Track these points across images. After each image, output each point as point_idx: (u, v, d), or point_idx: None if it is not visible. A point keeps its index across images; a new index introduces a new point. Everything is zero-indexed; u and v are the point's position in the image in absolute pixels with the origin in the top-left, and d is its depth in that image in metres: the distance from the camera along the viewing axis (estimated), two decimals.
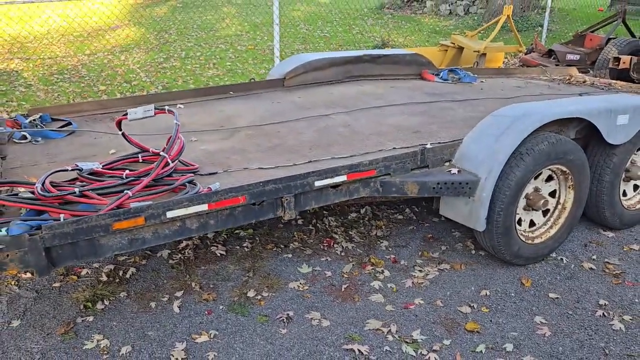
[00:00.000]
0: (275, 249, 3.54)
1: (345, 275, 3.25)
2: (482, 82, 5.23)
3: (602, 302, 3.03)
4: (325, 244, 3.60)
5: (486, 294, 3.09)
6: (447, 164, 3.12)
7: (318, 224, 3.87)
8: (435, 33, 12.13)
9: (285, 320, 2.84)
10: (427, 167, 3.05)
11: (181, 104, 4.23)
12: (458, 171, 3.02)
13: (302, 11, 13.87)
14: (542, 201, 3.21)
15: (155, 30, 11.73)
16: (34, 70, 8.42)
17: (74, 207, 2.37)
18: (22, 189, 2.48)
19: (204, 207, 2.42)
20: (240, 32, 11.82)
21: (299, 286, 3.13)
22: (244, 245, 3.57)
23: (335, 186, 2.78)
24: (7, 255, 2.10)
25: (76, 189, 2.39)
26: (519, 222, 3.27)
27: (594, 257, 3.49)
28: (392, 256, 3.47)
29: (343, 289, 3.12)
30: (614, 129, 3.33)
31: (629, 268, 3.38)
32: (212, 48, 10.31)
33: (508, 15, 7.44)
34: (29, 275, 3.20)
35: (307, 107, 4.16)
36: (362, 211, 4.07)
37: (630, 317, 2.90)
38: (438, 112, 4.04)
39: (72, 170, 2.66)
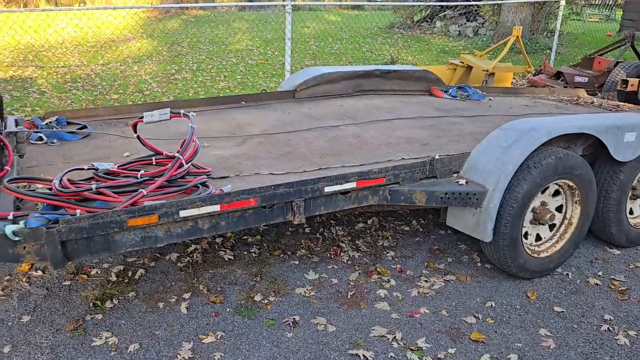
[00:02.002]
0: (282, 256, 3.57)
1: (352, 283, 3.28)
2: (490, 100, 5.29)
3: (607, 317, 3.04)
4: (332, 253, 3.63)
5: (491, 306, 3.11)
6: (455, 175, 3.16)
7: (325, 233, 3.90)
8: (444, 53, 12.27)
9: (291, 324, 2.87)
10: (435, 177, 3.09)
11: (194, 111, 4.31)
12: (466, 182, 3.06)
13: (312, 28, 14.06)
14: (549, 215, 3.24)
15: (167, 43, 11.94)
16: (47, 78, 8.58)
17: (89, 204, 2.43)
18: (40, 185, 2.54)
19: (216, 208, 2.47)
20: (251, 47, 12.01)
21: (305, 292, 3.16)
22: (252, 250, 3.61)
23: (344, 193, 2.82)
24: (25, 247, 2.15)
25: (93, 186, 2.45)
26: (525, 235, 3.30)
27: (600, 273, 3.50)
28: (398, 266, 3.49)
29: (349, 296, 3.14)
30: (621, 146, 3.36)
31: (635, 285, 3.38)
32: (223, 61, 10.47)
33: (517, 36, 7.52)
34: (39, 272, 3.25)
35: (317, 118, 4.22)
36: (369, 222, 4.11)
37: (635, 333, 2.91)
38: (446, 126, 4.10)
39: (88, 169, 2.73)
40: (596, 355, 2.73)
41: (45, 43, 10.64)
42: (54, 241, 2.17)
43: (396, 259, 3.59)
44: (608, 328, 2.94)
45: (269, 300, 3.08)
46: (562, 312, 3.08)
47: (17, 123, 3.14)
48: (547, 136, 3.07)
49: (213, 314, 2.93)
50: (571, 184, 3.28)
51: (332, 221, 4.10)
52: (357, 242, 3.80)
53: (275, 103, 4.75)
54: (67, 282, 3.17)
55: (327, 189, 2.73)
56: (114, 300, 3.00)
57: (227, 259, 3.49)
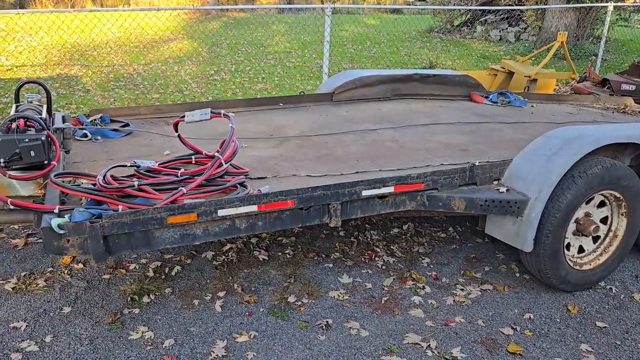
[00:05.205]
0: (316, 258, 3.56)
1: (386, 288, 3.25)
2: (532, 106, 5.16)
3: None
4: (366, 257, 3.60)
5: (530, 318, 3.02)
6: (495, 182, 3.09)
7: (360, 237, 3.88)
8: (484, 58, 12.06)
9: (324, 327, 2.86)
10: (475, 184, 3.03)
11: (232, 112, 4.35)
12: (507, 190, 2.99)
13: (350, 32, 14.05)
14: (593, 227, 3.13)
15: (207, 44, 12.12)
16: (92, 76, 8.84)
17: (131, 200, 2.48)
18: (84, 181, 2.61)
19: (253, 208, 2.49)
20: (289, 50, 12.07)
21: (339, 295, 3.15)
22: (286, 252, 3.62)
23: (382, 197, 2.80)
24: (69, 241, 2.21)
25: (135, 183, 2.50)
26: (568, 246, 3.19)
27: None
28: (434, 273, 3.44)
29: (383, 302, 3.11)
30: None
31: None
32: (261, 63, 10.56)
33: (562, 42, 7.32)
34: (80, 265, 3.33)
35: (354, 121, 4.21)
36: (405, 227, 4.06)
37: None
38: (487, 132, 4.02)
39: (131, 166, 2.79)
40: None
41: (90, 43, 10.95)
42: (96, 235, 2.22)
43: (432, 266, 3.53)
44: None
45: (302, 302, 3.07)
46: (605, 327, 2.97)
47: (64, 120, 3.24)
48: (595, 145, 2.96)
49: (247, 313, 2.95)
50: (618, 195, 3.16)
51: (367, 225, 4.07)
52: (392, 247, 3.76)
53: (313, 105, 4.76)
54: (107, 276, 3.25)
55: (365, 193, 2.71)
56: (150, 295, 3.06)
57: (261, 259, 3.51)
